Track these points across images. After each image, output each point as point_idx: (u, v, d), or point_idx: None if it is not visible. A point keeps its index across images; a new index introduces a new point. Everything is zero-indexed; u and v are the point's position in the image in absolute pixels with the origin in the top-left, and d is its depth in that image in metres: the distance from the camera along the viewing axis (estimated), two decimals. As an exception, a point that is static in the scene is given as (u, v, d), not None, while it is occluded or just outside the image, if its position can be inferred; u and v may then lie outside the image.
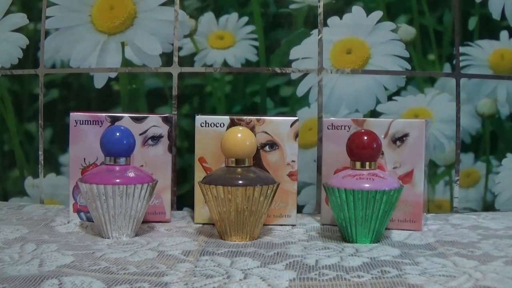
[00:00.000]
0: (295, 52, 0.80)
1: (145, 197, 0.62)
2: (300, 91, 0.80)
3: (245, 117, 0.68)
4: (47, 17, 0.82)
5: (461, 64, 0.80)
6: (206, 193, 0.61)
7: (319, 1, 0.80)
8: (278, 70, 0.80)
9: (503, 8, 0.80)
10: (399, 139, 0.67)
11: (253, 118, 0.68)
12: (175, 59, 0.80)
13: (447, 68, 0.80)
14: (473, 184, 0.80)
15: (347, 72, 0.79)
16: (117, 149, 0.61)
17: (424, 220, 0.68)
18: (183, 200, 0.80)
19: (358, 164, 0.61)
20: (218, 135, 0.67)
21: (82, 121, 0.68)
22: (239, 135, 0.61)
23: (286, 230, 0.66)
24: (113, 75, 0.81)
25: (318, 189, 0.79)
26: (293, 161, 0.69)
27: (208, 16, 0.81)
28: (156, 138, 0.70)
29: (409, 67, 0.79)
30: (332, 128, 0.69)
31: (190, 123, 0.78)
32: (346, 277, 0.48)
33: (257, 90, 0.80)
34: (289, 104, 0.80)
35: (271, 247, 0.58)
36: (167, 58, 0.80)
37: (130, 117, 0.69)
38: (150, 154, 0.69)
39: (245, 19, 0.80)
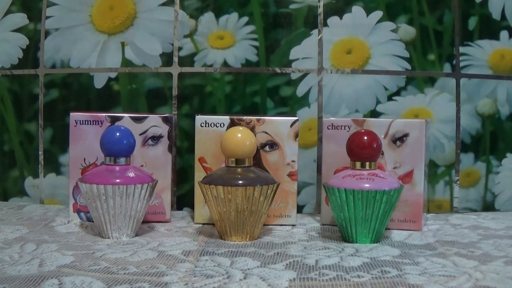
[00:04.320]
0: (295, 52, 0.80)
1: (145, 197, 0.62)
2: (300, 91, 0.80)
3: (245, 117, 0.68)
4: (47, 17, 0.82)
5: (461, 64, 0.80)
6: (206, 193, 0.61)
7: (319, 1, 0.80)
8: (278, 70, 0.80)
9: (503, 8, 0.80)
10: (399, 139, 0.67)
11: (253, 118, 0.68)
12: (175, 59, 0.80)
13: (447, 68, 0.80)
14: (473, 184, 0.80)
15: (347, 72, 0.79)
16: (117, 149, 0.61)
17: (424, 220, 0.68)
18: (183, 200, 0.80)
19: (358, 164, 0.61)
20: (218, 135, 0.67)
21: (82, 121, 0.68)
22: (239, 135, 0.61)
23: (286, 230, 0.66)
24: (113, 75, 0.81)
25: (318, 189, 0.79)
26: (293, 161, 0.69)
27: (208, 16, 0.81)
28: (156, 138, 0.70)
29: (409, 67, 0.79)
30: (332, 128, 0.69)
31: (190, 123, 0.78)
32: (346, 277, 0.48)
33: (257, 90, 0.80)
34: (289, 104, 0.80)
35: (271, 247, 0.58)
36: (167, 58, 0.80)
37: (130, 117, 0.69)
38: (150, 154, 0.69)
39: (245, 19, 0.80)
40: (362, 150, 0.61)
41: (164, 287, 0.45)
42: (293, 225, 0.69)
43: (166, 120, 0.70)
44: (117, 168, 0.61)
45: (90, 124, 0.68)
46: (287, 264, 0.52)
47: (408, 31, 0.79)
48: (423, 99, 0.80)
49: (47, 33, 0.82)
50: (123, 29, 0.80)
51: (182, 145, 0.80)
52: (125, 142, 0.62)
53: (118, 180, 0.60)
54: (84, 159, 0.69)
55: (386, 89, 0.79)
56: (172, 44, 0.80)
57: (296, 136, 0.69)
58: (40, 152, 0.82)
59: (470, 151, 0.80)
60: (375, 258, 0.54)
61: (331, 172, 0.68)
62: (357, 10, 0.79)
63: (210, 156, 0.68)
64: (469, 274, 0.49)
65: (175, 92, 0.80)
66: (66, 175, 0.81)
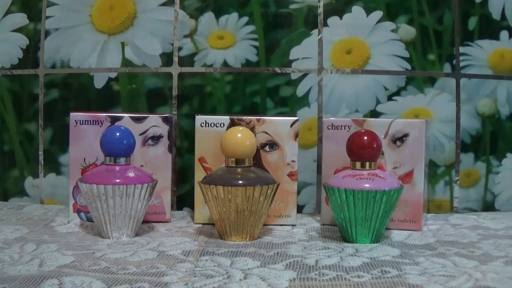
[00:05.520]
0: (295, 52, 0.80)
1: (145, 197, 0.62)
2: (300, 91, 0.80)
3: (245, 117, 0.68)
4: (47, 17, 0.82)
5: (461, 64, 0.80)
6: (206, 193, 0.61)
7: (319, 1, 0.80)
8: (278, 70, 0.80)
9: (503, 8, 0.80)
10: (399, 139, 0.67)
11: (253, 118, 0.68)
12: (175, 59, 0.80)
13: (447, 68, 0.80)
14: (473, 184, 0.80)
15: (347, 72, 0.79)
16: (117, 149, 0.61)
17: (424, 220, 0.68)
18: (183, 200, 0.80)
19: (358, 164, 0.61)
20: (218, 135, 0.67)
21: (82, 121, 0.68)
22: (239, 135, 0.61)
23: (286, 230, 0.66)
24: (113, 75, 0.81)
25: (318, 189, 0.79)
26: (293, 161, 0.69)
27: (208, 16, 0.81)
28: (156, 138, 0.70)
29: (409, 67, 0.79)
30: (332, 128, 0.69)
31: (190, 123, 0.78)
32: (346, 277, 0.48)
33: (257, 90, 0.80)
34: (289, 104, 0.80)
35: (271, 247, 0.58)
36: (167, 58, 0.80)
37: (130, 117, 0.69)
38: (150, 154, 0.69)
39: (245, 19, 0.80)
40: (362, 150, 0.61)
41: (164, 287, 0.45)
42: (293, 225, 0.69)
43: (166, 120, 0.70)
44: (117, 168, 0.61)
45: (90, 124, 0.68)
46: (287, 264, 0.52)
47: (408, 31, 0.79)
48: (423, 99, 0.80)
49: (47, 33, 0.82)
50: (123, 29, 0.80)
51: (182, 145, 0.80)
52: (125, 142, 0.62)
53: (118, 180, 0.60)
54: (84, 159, 0.69)
55: (386, 89, 0.79)
56: (172, 44, 0.80)
57: (296, 136, 0.69)
58: (40, 152, 0.82)
59: (470, 151, 0.80)
60: (375, 258, 0.54)
61: (331, 172, 0.68)
62: (357, 10, 0.79)
63: (210, 156, 0.68)
64: (469, 274, 0.48)
65: (175, 92, 0.80)
66: (66, 175, 0.81)
